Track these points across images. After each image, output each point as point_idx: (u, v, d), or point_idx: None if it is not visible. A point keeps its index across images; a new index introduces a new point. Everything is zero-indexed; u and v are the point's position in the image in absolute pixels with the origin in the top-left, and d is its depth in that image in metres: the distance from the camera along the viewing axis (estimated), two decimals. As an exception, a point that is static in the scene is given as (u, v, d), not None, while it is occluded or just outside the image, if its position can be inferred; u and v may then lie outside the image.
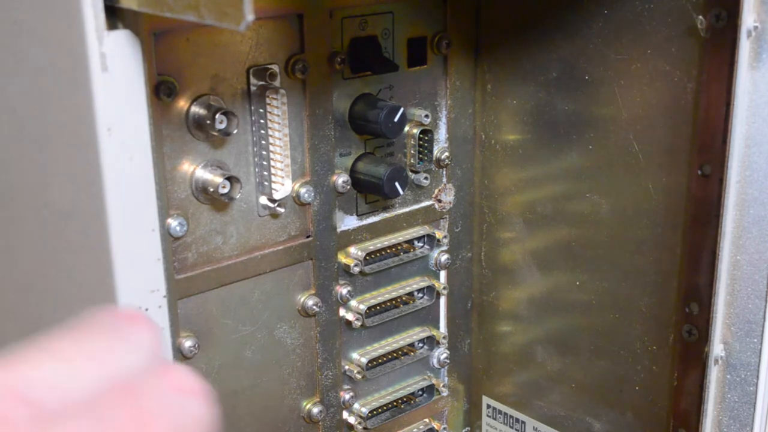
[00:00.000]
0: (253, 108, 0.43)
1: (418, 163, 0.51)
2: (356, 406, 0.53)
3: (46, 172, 0.37)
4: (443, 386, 0.58)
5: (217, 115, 0.40)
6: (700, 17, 0.41)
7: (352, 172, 0.49)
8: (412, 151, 0.51)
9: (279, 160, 0.44)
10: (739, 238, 0.40)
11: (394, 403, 0.56)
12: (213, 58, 0.41)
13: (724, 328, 0.41)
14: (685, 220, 0.45)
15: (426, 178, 0.52)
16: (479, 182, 0.55)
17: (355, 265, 0.50)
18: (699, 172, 0.43)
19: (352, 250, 0.50)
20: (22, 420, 0.18)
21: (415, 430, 0.58)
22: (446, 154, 0.53)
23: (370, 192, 0.50)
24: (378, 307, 0.52)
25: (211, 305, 0.44)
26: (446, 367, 0.58)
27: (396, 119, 0.47)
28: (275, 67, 0.43)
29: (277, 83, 0.43)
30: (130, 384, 0.21)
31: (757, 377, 0.41)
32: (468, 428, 0.61)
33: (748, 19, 0.37)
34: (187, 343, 0.43)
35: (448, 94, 0.53)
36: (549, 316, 0.54)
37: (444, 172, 0.54)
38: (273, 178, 0.44)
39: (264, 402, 0.49)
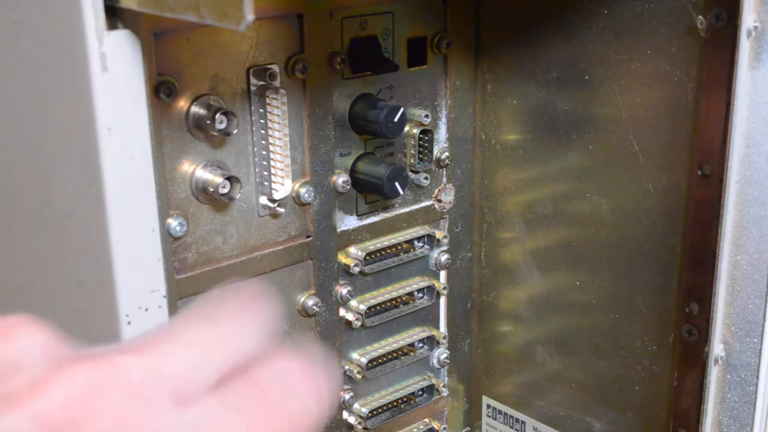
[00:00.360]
0: (253, 108, 0.43)
1: (418, 163, 0.51)
2: (356, 406, 0.53)
3: (46, 172, 0.37)
4: (443, 386, 0.58)
5: (217, 115, 0.40)
6: (700, 17, 0.41)
7: (352, 172, 0.49)
8: (412, 151, 0.51)
9: (279, 160, 0.44)
10: (739, 238, 0.40)
11: (394, 403, 0.56)
12: (213, 58, 0.41)
13: (724, 328, 0.41)
14: (685, 220, 0.45)
15: (426, 178, 0.52)
16: (479, 182, 0.55)
17: (355, 265, 0.50)
18: (699, 172, 0.43)
19: (352, 250, 0.50)
20: (165, 404, 0.19)
21: (415, 430, 0.58)
22: (446, 154, 0.53)
23: (370, 192, 0.50)
24: (378, 307, 0.52)
25: (211, 305, 0.44)
26: (446, 367, 0.58)
27: (396, 119, 0.47)
28: (275, 67, 0.43)
29: (277, 83, 0.43)
30: (256, 368, 0.22)
31: (757, 377, 0.41)
32: (468, 428, 0.61)
33: (748, 19, 0.37)
34: (187, 343, 0.43)
35: (448, 94, 0.53)
36: (549, 316, 0.54)
37: (444, 172, 0.54)
38: (273, 178, 0.44)
39: (264, 402, 0.49)
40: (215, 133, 0.41)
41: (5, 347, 0.20)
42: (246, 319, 0.23)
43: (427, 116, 0.51)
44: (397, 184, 0.48)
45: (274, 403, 0.22)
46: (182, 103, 0.41)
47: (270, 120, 0.43)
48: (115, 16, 0.32)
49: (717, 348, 0.41)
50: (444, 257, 0.55)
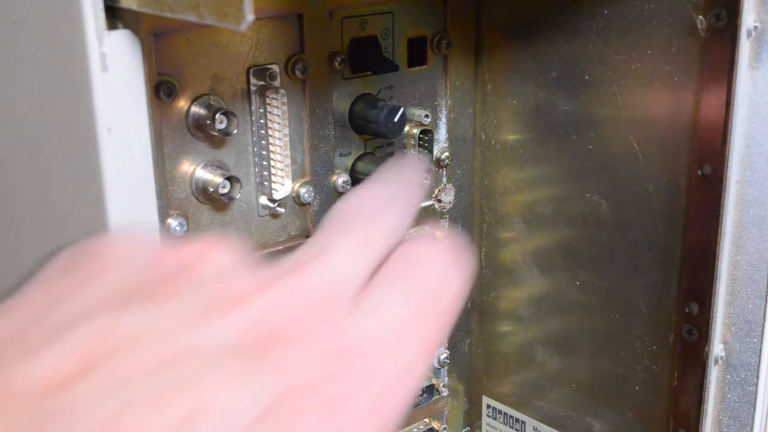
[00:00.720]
0: (253, 108, 0.43)
1: (418, 163, 0.51)
2: (356, 406, 0.53)
3: (46, 172, 0.37)
4: (443, 386, 0.58)
5: (217, 115, 0.40)
6: (700, 17, 0.41)
7: (352, 172, 0.49)
8: (412, 151, 0.51)
9: (279, 160, 0.44)
10: (739, 238, 0.40)
11: (394, 403, 0.55)
12: (213, 58, 0.41)
13: (724, 328, 0.41)
14: (685, 220, 0.45)
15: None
16: (479, 182, 0.55)
17: (355, 265, 0.50)
18: (699, 172, 0.43)
19: (352, 250, 0.50)
20: (346, 304, 0.22)
21: (415, 430, 0.58)
22: (446, 154, 0.53)
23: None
24: (378, 307, 0.52)
25: (211, 305, 0.44)
26: (446, 367, 0.58)
27: (396, 119, 0.47)
28: (275, 67, 0.43)
29: (277, 83, 0.43)
30: (405, 253, 0.24)
31: (757, 377, 0.41)
32: (468, 428, 0.61)
33: (748, 19, 0.37)
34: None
35: (448, 94, 0.53)
36: (549, 316, 0.54)
37: (444, 172, 0.54)
38: (273, 178, 0.44)
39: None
40: (215, 133, 0.41)
41: (207, 264, 0.22)
42: (392, 211, 0.26)
43: (427, 116, 0.51)
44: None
45: (428, 287, 0.24)
46: (182, 103, 0.41)
47: (270, 120, 0.43)
48: (115, 16, 0.32)
49: (717, 348, 0.41)
50: (444, 257, 0.55)
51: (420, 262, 0.24)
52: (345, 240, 0.23)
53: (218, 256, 0.22)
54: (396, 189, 0.27)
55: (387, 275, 0.23)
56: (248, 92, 0.43)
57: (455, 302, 0.24)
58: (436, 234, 0.25)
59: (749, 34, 0.37)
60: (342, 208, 0.26)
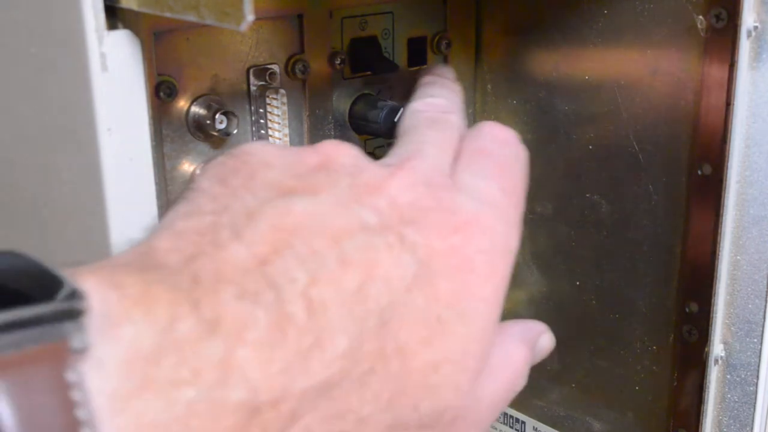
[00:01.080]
0: (253, 108, 0.43)
1: (418, 163, 0.51)
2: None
3: (46, 172, 0.37)
4: (443, 386, 0.58)
5: (217, 115, 0.40)
6: (700, 17, 0.41)
7: (352, 172, 0.49)
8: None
9: (279, 160, 0.44)
10: (739, 238, 0.40)
11: (394, 403, 0.55)
12: (213, 58, 0.41)
13: (724, 328, 0.41)
14: (685, 220, 0.45)
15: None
16: (479, 182, 0.55)
17: (355, 265, 0.50)
18: (699, 172, 0.43)
19: (352, 250, 0.50)
20: (451, 184, 0.27)
21: (415, 430, 0.58)
22: (446, 154, 0.53)
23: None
24: (378, 307, 0.52)
25: (211, 305, 0.44)
26: (446, 367, 0.58)
27: (396, 119, 0.47)
28: (275, 67, 0.43)
29: (277, 83, 0.43)
30: (474, 136, 0.30)
31: (757, 377, 0.41)
32: (468, 428, 0.61)
33: (748, 19, 0.37)
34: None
35: (448, 94, 0.53)
36: (549, 316, 0.54)
37: (444, 172, 0.54)
38: (273, 178, 0.44)
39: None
40: (215, 133, 0.41)
41: (339, 160, 0.26)
42: (453, 110, 0.32)
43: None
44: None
45: (505, 163, 0.28)
46: (182, 103, 0.41)
47: (270, 120, 0.43)
48: (115, 16, 0.32)
49: (717, 348, 0.41)
50: (444, 257, 0.55)
51: (490, 143, 0.29)
52: (431, 136, 0.28)
53: (344, 153, 0.26)
54: (447, 93, 0.33)
55: (471, 157, 0.28)
56: (248, 92, 0.43)
57: (524, 167, 0.29)
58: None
59: (749, 34, 0.37)
60: (414, 114, 0.31)
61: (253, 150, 0.26)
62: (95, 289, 0.19)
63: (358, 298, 0.22)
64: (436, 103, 0.32)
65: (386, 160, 0.27)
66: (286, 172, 0.25)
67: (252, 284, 0.21)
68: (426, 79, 0.37)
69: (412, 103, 0.32)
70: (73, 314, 0.18)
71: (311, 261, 0.21)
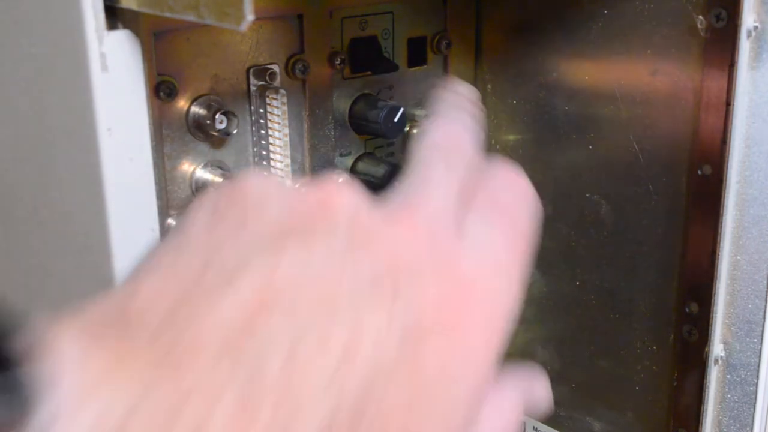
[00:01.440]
0: (253, 108, 0.43)
1: (418, 163, 0.51)
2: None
3: (46, 172, 0.37)
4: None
5: (217, 115, 0.40)
6: (700, 17, 0.41)
7: (352, 172, 0.49)
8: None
9: (279, 160, 0.44)
10: (739, 238, 0.40)
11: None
12: (213, 58, 0.41)
13: (724, 328, 0.41)
14: (685, 220, 0.45)
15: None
16: (479, 182, 0.55)
17: (355, 265, 0.50)
18: (699, 172, 0.43)
19: (352, 250, 0.50)
20: (454, 234, 0.25)
21: (415, 430, 0.58)
22: (446, 154, 0.53)
23: (371, 192, 0.50)
24: (378, 307, 0.52)
25: (211, 305, 0.44)
26: (446, 367, 0.58)
27: (396, 119, 0.47)
28: (275, 67, 0.43)
29: (277, 83, 0.43)
30: (485, 181, 0.28)
31: (757, 377, 0.41)
32: (468, 428, 0.61)
33: (748, 19, 0.37)
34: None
35: (448, 94, 0.53)
36: (549, 316, 0.54)
37: (444, 172, 0.54)
38: (273, 178, 0.44)
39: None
40: (215, 133, 0.41)
41: (338, 203, 0.25)
42: (467, 144, 0.30)
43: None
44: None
45: (514, 216, 0.27)
46: (182, 103, 0.41)
47: (270, 120, 0.43)
48: (115, 16, 0.32)
49: (717, 348, 0.41)
50: (444, 257, 0.55)
51: (502, 191, 0.28)
52: (441, 176, 0.27)
53: (345, 196, 0.25)
54: (463, 122, 0.31)
55: (481, 204, 0.27)
56: (248, 92, 0.43)
57: (534, 221, 0.28)
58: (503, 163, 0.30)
59: (749, 34, 0.37)
60: (427, 145, 0.29)
61: (249, 188, 0.25)
62: (66, 357, 0.19)
63: (340, 366, 0.21)
64: (453, 133, 0.30)
65: (391, 200, 0.26)
66: (282, 214, 0.24)
67: (228, 355, 0.20)
68: (445, 97, 0.35)
69: (428, 128, 0.31)
70: (36, 400, 0.18)
71: (294, 329, 0.21)
